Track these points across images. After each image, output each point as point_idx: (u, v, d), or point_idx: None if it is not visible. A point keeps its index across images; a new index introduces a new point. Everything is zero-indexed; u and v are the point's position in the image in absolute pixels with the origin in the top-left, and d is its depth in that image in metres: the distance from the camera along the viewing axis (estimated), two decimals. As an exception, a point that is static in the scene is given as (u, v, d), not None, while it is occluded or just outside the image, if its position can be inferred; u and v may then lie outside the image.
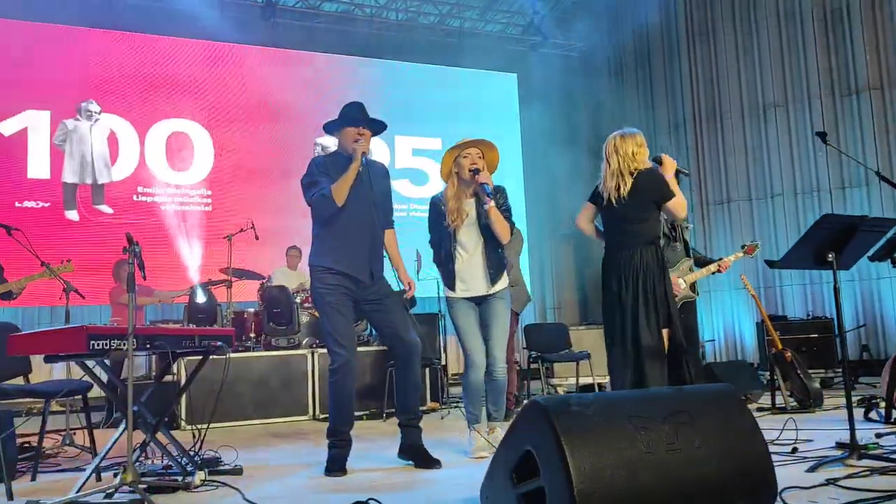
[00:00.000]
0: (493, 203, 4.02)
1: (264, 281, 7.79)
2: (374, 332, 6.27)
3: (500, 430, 4.24)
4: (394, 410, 6.29)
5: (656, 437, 2.17)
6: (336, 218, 3.78)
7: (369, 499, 2.30)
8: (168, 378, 5.54)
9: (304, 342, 7.09)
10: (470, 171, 4.08)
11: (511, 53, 11.47)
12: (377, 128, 3.92)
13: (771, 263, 3.90)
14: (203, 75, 9.72)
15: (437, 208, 4.22)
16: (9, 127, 8.76)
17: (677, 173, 4.20)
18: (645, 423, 2.19)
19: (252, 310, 7.40)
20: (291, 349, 6.86)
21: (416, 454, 3.81)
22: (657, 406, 2.27)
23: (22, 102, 8.81)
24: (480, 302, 4.17)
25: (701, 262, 5.55)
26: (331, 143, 10.24)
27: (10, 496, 3.37)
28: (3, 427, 3.53)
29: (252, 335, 7.13)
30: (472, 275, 4.14)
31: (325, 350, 6.76)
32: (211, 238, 9.16)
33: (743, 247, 5.70)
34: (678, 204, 4.02)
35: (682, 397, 2.37)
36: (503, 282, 4.22)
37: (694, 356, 4.94)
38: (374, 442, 4.73)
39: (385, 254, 4.07)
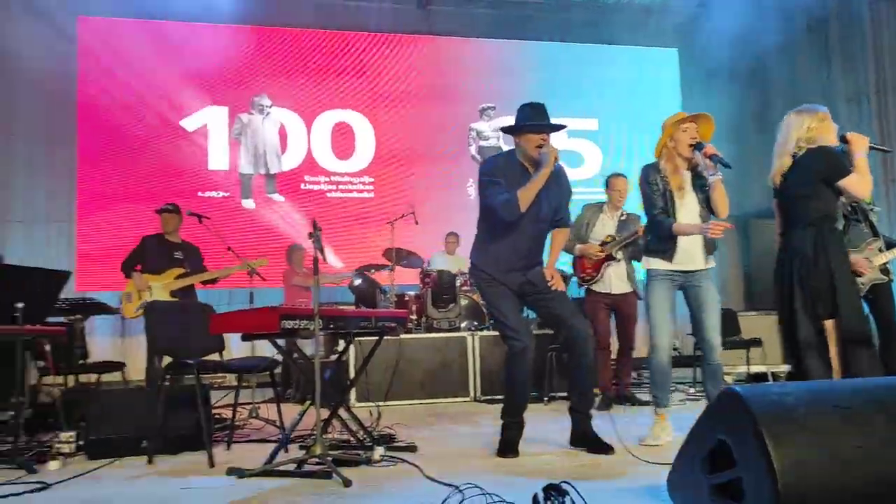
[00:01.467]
0: (720, 176, 3.92)
1: (424, 265, 7.99)
2: (532, 315, 6.29)
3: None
4: (555, 395, 6.35)
5: (869, 430, 2.01)
6: (497, 228, 3.80)
7: (562, 482, 2.29)
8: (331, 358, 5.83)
9: (463, 325, 7.21)
10: (690, 145, 3.97)
11: (671, 27, 10.99)
12: (557, 130, 3.89)
13: None
14: (363, 66, 10.05)
15: (650, 179, 4.08)
16: (192, 123, 9.48)
17: (872, 149, 3.86)
18: (855, 415, 2.04)
19: (413, 293, 7.61)
20: (452, 331, 7.00)
21: (589, 442, 3.78)
22: (869, 396, 2.10)
23: (203, 100, 9.51)
24: (687, 281, 4.05)
25: (889, 245, 5.10)
26: (485, 128, 10.43)
27: (212, 464, 3.67)
28: (204, 400, 3.84)
29: (414, 317, 7.33)
30: (689, 248, 4.03)
31: (484, 333, 6.86)
32: (373, 223, 9.50)
33: None
34: (855, 183, 3.66)
35: (896, 388, 2.18)
36: (712, 259, 4.13)
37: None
38: (537, 426, 4.73)
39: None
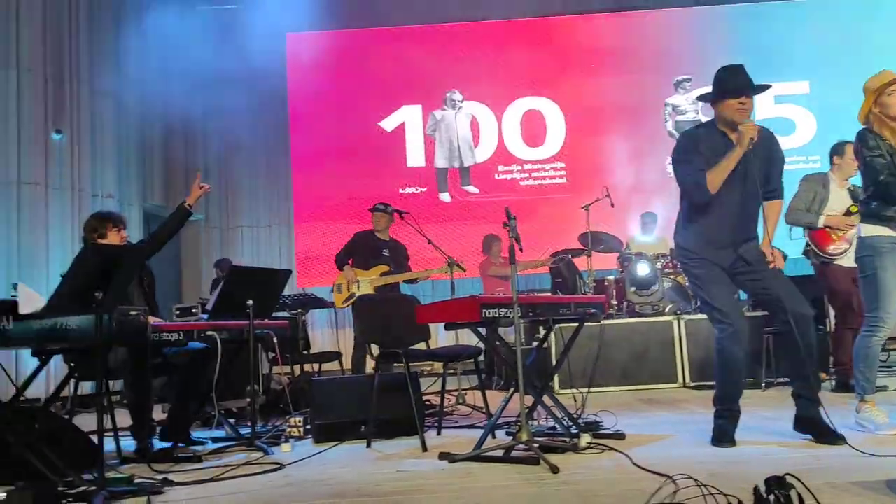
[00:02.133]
0: None
1: (623, 249, 7.80)
2: (745, 296, 5.91)
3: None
4: (773, 380, 5.94)
5: None
6: (704, 203, 3.57)
7: (786, 474, 2.14)
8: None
9: (667, 308, 6.95)
10: None
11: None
12: (760, 92, 3.61)
13: None
14: (551, 50, 9.98)
15: (870, 143, 3.73)
16: (390, 123, 9.95)
17: None
18: None
19: (612, 277, 7.45)
20: (655, 316, 6.78)
21: (816, 428, 3.48)
22: None
23: (398, 100, 9.94)
24: None
25: None
26: (681, 101, 9.95)
27: (424, 448, 3.84)
28: (415, 387, 4.02)
29: (614, 302, 7.18)
30: None
31: (692, 317, 6.56)
32: (567, 209, 9.42)
33: None
34: None
35: None
36: None
37: None
38: (754, 413, 4.44)
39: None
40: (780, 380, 5.81)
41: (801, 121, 9.61)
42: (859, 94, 3.87)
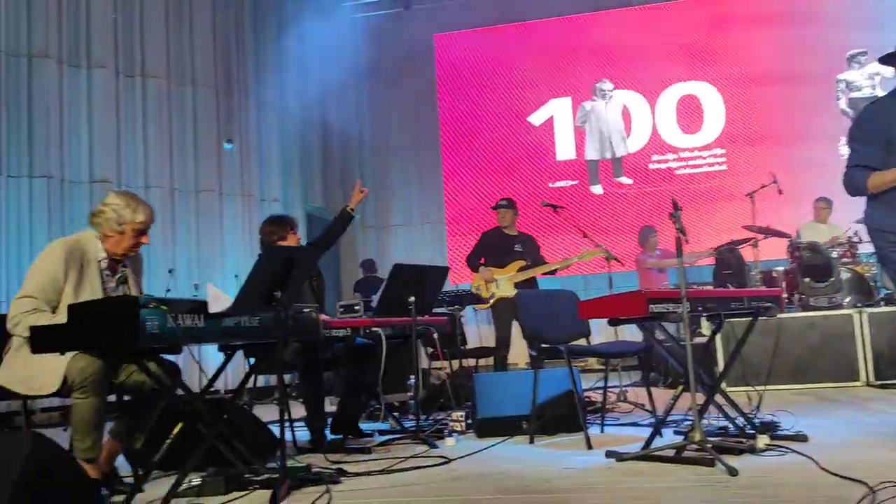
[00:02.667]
0: None
1: (792, 237, 7.31)
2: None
3: None
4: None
5: None
6: None
7: None
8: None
9: (846, 301, 6.44)
10: None
11: None
12: None
13: None
14: (705, 33, 9.54)
15: None
16: (538, 117, 9.89)
17: None
18: None
19: (781, 268, 7.00)
20: (832, 309, 6.29)
21: None
22: None
23: (546, 94, 9.86)
24: None
25: None
26: (856, 77, 9.18)
27: (589, 445, 3.77)
28: (577, 383, 3.96)
29: (785, 295, 6.74)
30: None
31: (876, 310, 6.05)
32: (729, 197, 8.97)
33: None
34: None
35: None
36: None
37: None
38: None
39: None
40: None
41: None
42: None
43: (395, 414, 5.02)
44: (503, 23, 10.16)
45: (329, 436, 4.37)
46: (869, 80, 8.95)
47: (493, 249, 6.33)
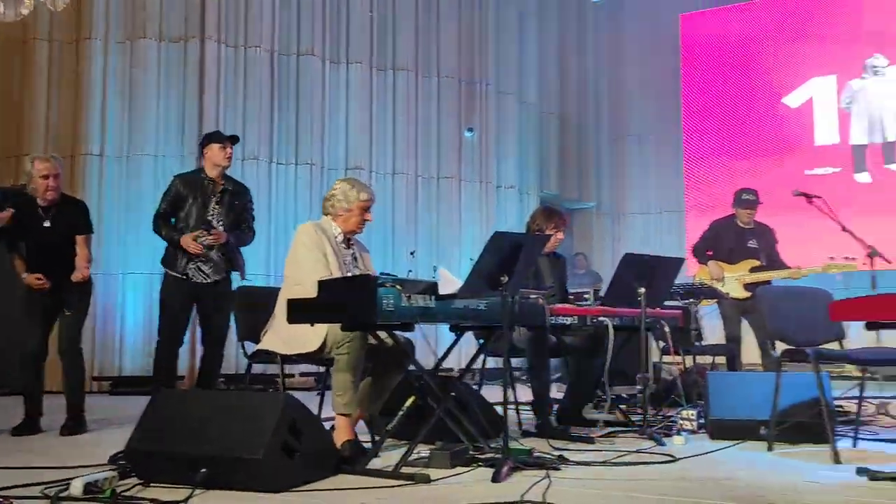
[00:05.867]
0: None
1: None
2: None
3: None
4: None
5: None
6: None
7: None
8: None
9: None
10: None
11: None
12: None
13: None
14: None
15: None
16: (795, 99, 9.07)
17: None
18: None
19: None
20: None
21: None
22: None
23: (806, 73, 9.01)
24: None
25: None
26: None
27: (837, 459, 3.42)
28: (826, 390, 3.61)
29: None
30: None
31: None
32: None
33: None
34: None
35: None
36: None
37: None
38: None
39: None
40: None
41: None
42: None
43: (622, 406, 4.92)
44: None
45: (554, 422, 4.40)
46: None
47: (725, 242, 5.91)
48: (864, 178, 8.63)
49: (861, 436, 4.06)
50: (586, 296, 5.48)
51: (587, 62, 10.36)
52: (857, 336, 6.75)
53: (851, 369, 7.09)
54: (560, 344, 4.56)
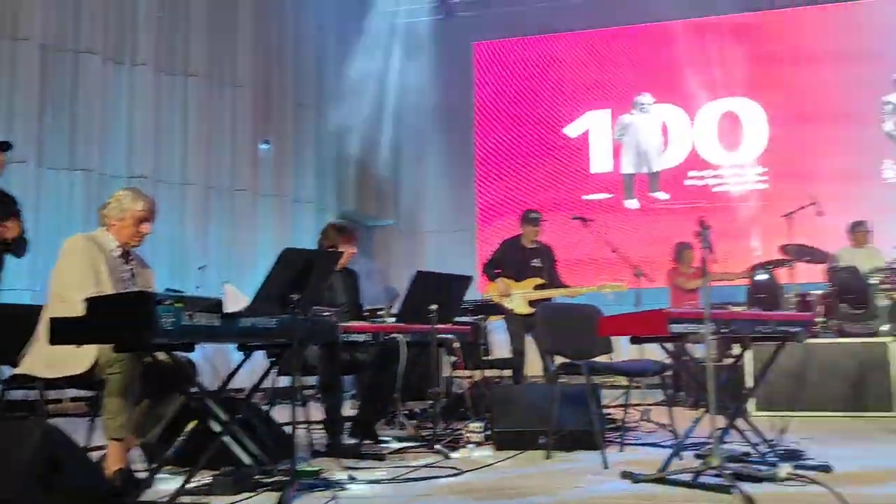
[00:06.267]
0: None
1: (830, 259, 7.13)
2: None
3: None
4: None
5: None
6: None
7: None
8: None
9: (883, 328, 6.25)
10: None
11: None
12: None
13: None
14: (748, 48, 9.38)
15: None
16: (574, 129, 9.82)
17: None
18: None
19: (819, 292, 6.83)
20: (867, 336, 6.11)
21: None
22: None
23: (584, 105, 9.78)
24: None
25: None
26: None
27: (606, 465, 3.70)
28: (596, 401, 3.89)
29: (821, 320, 6.57)
30: None
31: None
32: (766, 217, 8.80)
33: None
34: None
35: None
36: None
37: None
38: None
39: None
40: None
41: None
42: None
43: (412, 421, 4.99)
44: (545, 33, 10.11)
45: (346, 440, 4.36)
46: (918, 102, 8.73)
47: (512, 261, 6.21)
48: (632, 204, 9.51)
49: (627, 441, 4.42)
50: (381, 311, 5.50)
51: (387, 80, 10.51)
52: (626, 349, 7.40)
53: (621, 379, 7.78)
54: (353, 360, 4.54)
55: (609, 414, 5.20)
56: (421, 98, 10.60)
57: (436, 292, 4.32)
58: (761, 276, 6.99)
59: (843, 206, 7.95)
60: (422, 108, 10.64)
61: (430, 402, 5.49)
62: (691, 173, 9.39)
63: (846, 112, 8.90)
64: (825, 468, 3.47)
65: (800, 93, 9.14)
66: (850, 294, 6.37)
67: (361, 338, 4.19)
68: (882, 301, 6.42)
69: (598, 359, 4.34)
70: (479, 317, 6.63)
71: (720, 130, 9.35)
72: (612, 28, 9.82)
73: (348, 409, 5.03)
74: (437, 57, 10.49)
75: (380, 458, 3.97)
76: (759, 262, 7.30)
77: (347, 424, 4.60)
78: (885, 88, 8.93)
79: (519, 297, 6.07)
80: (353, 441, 4.39)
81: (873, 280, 6.47)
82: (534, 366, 6.36)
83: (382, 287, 9.42)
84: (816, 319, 6.55)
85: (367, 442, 4.44)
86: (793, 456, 3.67)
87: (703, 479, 3.18)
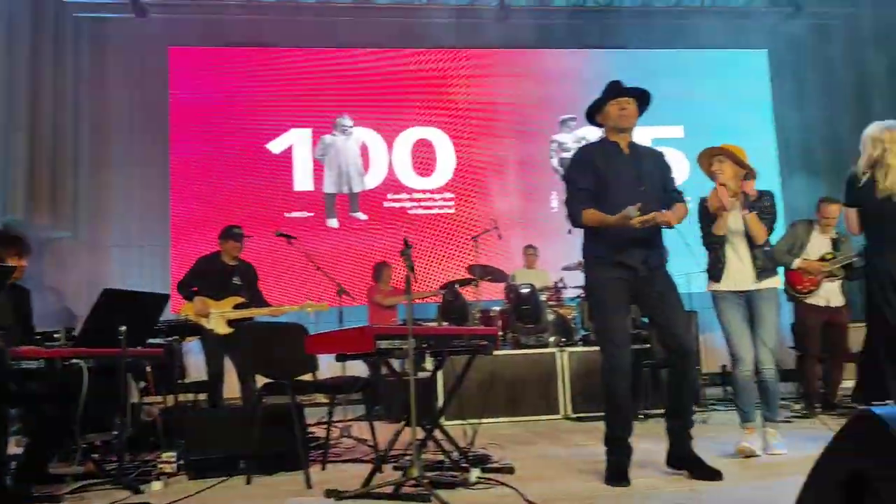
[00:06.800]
0: (746, 212, 4.19)
1: (508, 279, 7.91)
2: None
3: (777, 434, 4.07)
4: (650, 411, 6.13)
5: None
6: (603, 207, 3.56)
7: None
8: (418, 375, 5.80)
9: (551, 340, 7.07)
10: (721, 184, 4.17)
11: (758, 28, 10.61)
12: (639, 96, 3.76)
13: None
14: (443, 82, 10.08)
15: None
16: (277, 146, 9.70)
17: None
18: None
19: (498, 308, 7.52)
20: (539, 347, 6.88)
21: (693, 465, 3.56)
22: None
23: (287, 123, 9.72)
24: (748, 297, 4.16)
25: None
26: (567, 139, 10.29)
27: (309, 485, 3.66)
28: (299, 419, 3.85)
29: (501, 334, 7.24)
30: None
31: (574, 349, 6.71)
32: (456, 239, 9.49)
33: None
34: None
35: None
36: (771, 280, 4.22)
37: None
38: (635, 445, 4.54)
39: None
40: (657, 412, 5.99)
41: (676, 163, 10.12)
42: (728, 138, 4.37)
43: (94, 456, 4.49)
44: (247, 45, 9.87)
45: (12, 483, 3.78)
46: (577, 143, 10.04)
47: (211, 279, 5.89)
48: (333, 223, 9.64)
49: (329, 459, 4.44)
50: (56, 335, 4.91)
51: (66, 80, 9.44)
52: (328, 367, 7.45)
53: (321, 397, 7.80)
54: (21, 391, 3.95)
55: (311, 433, 5.17)
56: (108, 100, 9.71)
57: (126, 312, 3.95)
58: (450, 294, 7.51)
59: (521, 232, 8.90)
60: (108, 111, 9.74)
61: (115, 433, 5.00)
62: (390, 195, 9.80)
63: (523, 148, 9.96)
64: (509, 469, 3.81)
65: (484, 129, 10.02)
66: (526, 308, 7.11)
67: (34, 364, 3.68)
68: (549, 315, 7.26)
69: (305, 378, 4.31)
70: (174, 338, 6.19)
71: (414, 157, 9.89)
72: (314, 49, 9.90)
73: (13, 448, 4.37)
74: (129, 59, 9.70)
75: (56, 500, 3.51)
76: (450, 281, 7.85)
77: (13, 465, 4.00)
78: (553, 129, 10.17)
79: (218, 316, 5.78)
80: (19, 486, 3.81)
81: (542, 297, 7.30)
82: (232, 388, 6.11)
83: (60, 306, 8.41)
84: (498, 333, 7.23)
85: (39, 484, 3.89)
86: (481, 460, 3.97)
87: (404, 490, 3.30)
